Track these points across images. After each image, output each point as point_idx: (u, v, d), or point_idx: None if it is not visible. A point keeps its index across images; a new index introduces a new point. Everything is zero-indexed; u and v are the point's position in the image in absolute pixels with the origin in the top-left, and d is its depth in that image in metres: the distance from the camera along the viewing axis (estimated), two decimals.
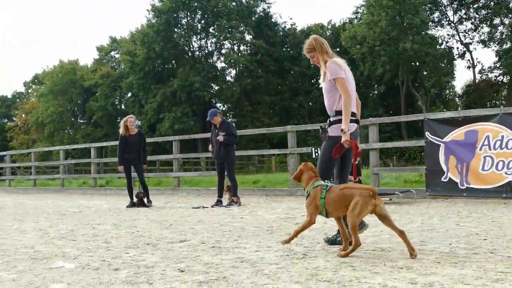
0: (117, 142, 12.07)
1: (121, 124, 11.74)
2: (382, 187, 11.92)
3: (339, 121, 5.04)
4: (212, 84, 49.35)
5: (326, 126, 5.21)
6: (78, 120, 63.21)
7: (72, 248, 5.33)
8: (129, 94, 54.76)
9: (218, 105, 51.41)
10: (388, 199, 10.12)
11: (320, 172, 5.05)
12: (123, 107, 57.33)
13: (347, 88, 5.00)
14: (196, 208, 10.45)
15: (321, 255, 4.52)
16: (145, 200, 11.45)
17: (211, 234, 6.15)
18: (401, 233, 4.38)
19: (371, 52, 41.17)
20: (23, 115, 67.93)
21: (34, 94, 69.06)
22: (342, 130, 4.96)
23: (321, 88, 5.27)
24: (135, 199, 11.48)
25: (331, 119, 5.14)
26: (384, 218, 4.43)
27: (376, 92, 50.12)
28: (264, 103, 50.15)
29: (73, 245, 5.59)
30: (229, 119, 48.61)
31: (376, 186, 11.14)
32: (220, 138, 10.62)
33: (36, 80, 69.27)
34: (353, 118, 5.08)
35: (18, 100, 75.77)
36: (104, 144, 26.17)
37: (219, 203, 10.80)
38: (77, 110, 62.89)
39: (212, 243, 5.43)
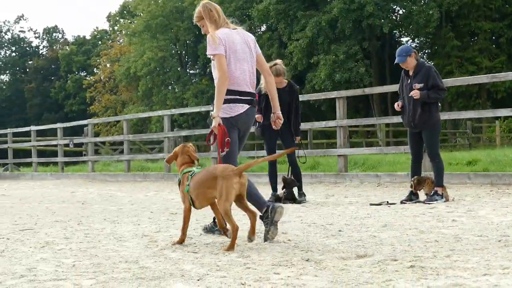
0: None
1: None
2: None
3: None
4: (394, 6, 48.76)
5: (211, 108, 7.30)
6: (188, 70, 65.70)
7: (194, 265, 5.56)
8: (263, 27, 55.82)
9: (404, 39, 50.74)
10: None
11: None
12: None
13: (222, 66, 6.82)
14: (377, 205, 10.46)
15: None
16: (296, 192, 11.66)
17: (406, 247, 6.13)
18: (254, 215, 6.33)
19: None
20: (108, 65, 71.77)
21: (123, 32, 72.59)
22: (211, 115, 6.87)
23: None
24: (279, 191, 11.72)
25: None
26: (242, 198, 6.29)
27: None
28: (482, 33, 48.64)
29: (194, 259, 5.84)
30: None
31: None
32: (416, 92, 10.43)
33: (125, 12, 72.75)
34: (243, 98, 6.98)
35: (100, 42, 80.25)
36: None
37: (413, 197, 10.73)
38: (185, 55, 65.37)
39: (409, 260, 5.41)
